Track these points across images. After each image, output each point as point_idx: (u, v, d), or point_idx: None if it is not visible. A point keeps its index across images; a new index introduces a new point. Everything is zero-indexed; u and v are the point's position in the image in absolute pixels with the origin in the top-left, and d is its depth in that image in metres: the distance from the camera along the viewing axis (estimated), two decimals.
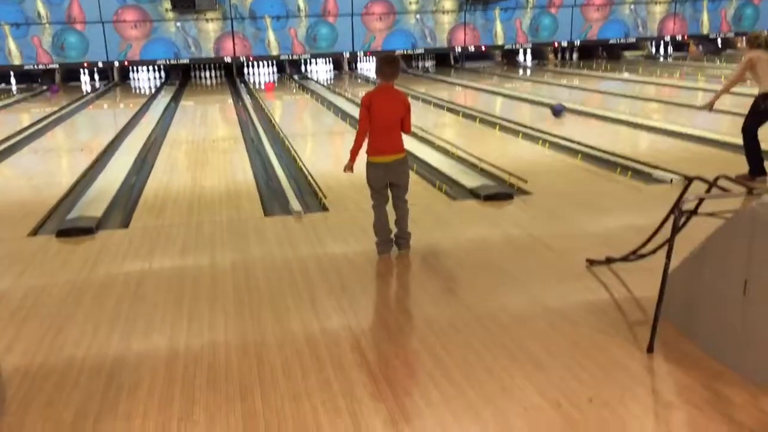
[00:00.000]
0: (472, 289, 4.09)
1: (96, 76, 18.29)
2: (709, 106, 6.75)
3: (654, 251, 3.86)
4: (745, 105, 6.78)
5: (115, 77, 18.07)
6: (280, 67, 18.84)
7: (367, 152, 4.54)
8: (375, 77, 4.41)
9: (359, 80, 17.58)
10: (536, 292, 3.99)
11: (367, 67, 19.38)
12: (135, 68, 18.14)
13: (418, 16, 18.49)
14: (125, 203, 6.37)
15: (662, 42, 20.39)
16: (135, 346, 3.47)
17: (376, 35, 18.41)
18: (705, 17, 19.86)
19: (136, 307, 3.94)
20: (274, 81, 17.70)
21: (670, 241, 3.19)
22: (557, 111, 10.31)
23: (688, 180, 3.73)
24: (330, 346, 3.38)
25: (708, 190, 3.52)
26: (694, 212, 3.46)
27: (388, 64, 4.52)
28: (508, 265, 4.45)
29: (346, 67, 19.10)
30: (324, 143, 9.66)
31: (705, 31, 20.00)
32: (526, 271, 4.33)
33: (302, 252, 4.81)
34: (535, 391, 2.91)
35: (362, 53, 18.61)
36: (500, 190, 6.06)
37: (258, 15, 17.72)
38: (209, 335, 3.57)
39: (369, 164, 4.56)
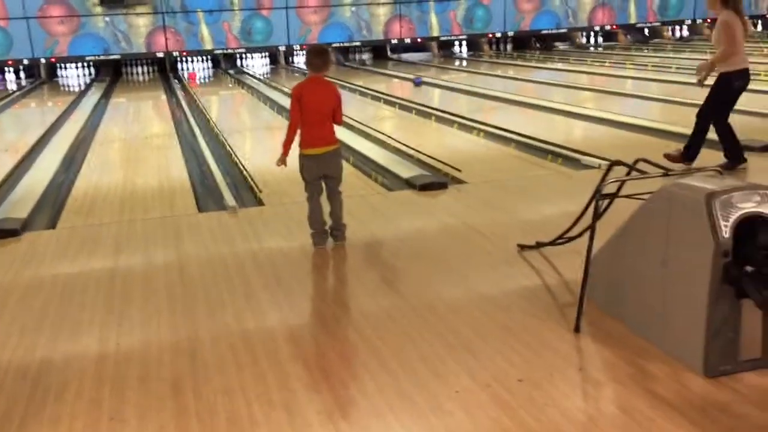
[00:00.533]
0: (408, 279, 4.12)
1: (22, 74, 17.63)
2: (701, 82, 6.01)
3: (581, 234, 3.96)
4: (670, 92, 6.99)
5: (42, 74, 17.47)
6: (215, 61, 18.54)
7: (300, 145, 4.53)
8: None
9: (296, 74, 17.45)
10: (470, 280, 4.05)
11: (304, 61, 19.24)
12: (63, 65, 17.58)
13: (353, 8, 18.45)
14: (52, 203, 6.19)
15: (592, 32, 20.87)
16: (63, 348, 3.39)
17: (312, 28, 18.29)
18: (632, 7, 20.42)
19: (63, 309, 3.83)
20: (194, 70, 17.56)
21: (591, 225, 3.29)
22: (417, 83, 13.21)
23: (609, 165, 3.84)
24: (265, 340, 3.37)
25: (628, 173, 3.63)
26: (615, 195, 3.57)
27: (318, 55, 4.52)
28: (443, 254, 4.50)
29: (282, 61, 18.92)
30: (261, 138, 9.57)
31: (632, 20, 20.56)
32: (460, 259, 4.40)
33: (237, 247, 4.77)
34: (466, 375, 2.96)
35: (298, 47, 18.48)
36: (435, 180, 6.12)
37: (190, 9, 17.39)
38: (141, 334, 3.51)
39: (302, 156, 4.55)
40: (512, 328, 3.38)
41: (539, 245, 4.39)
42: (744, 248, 2.74)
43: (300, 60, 19.15)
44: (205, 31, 17.64)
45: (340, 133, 8.69)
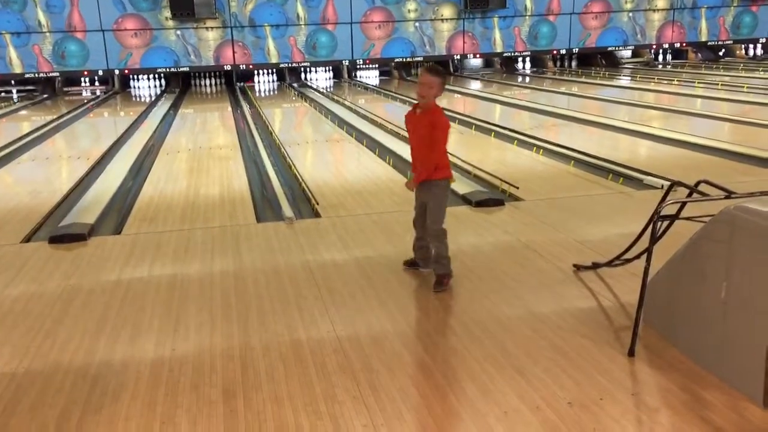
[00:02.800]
0: (461, 296, 4.10)
1: (96, 84, 18.37)
2: None
3: (638, 256, 3.88)
4: (743, 112, 6.78)
5: (115, 85, 18.16)
6: (280, 75, 18.91)
7: (445, 174, 4.15)
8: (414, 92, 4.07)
9: (358, 87, 17.64)
10: (524, 298, 4.00)
11: (366, 75, 19.44)
12: (135, 76, 18.22)
13: (416, 24, 18.56)
14: (119, 210, 6.41)
15: (661, 49, 20.42)
16: (121, 351, 3.50)
17: (375, 43, 18.48)
18: (703, 24, 19.90)
19: (124, 313, 3.96)
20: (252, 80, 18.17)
21: (649, 247, 3.21)
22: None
23: (669, 185, 3.75)
24: (314, 351, 3.40)
25: (689, 195, 3.54)
26: (675, 217, 3.48)
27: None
28: (497, 271, 4.47)
29: (345, 75, 19.16)
30: (320, 151, 9.69)
31: (703, 38, 20.03)
32: (514, 277, 4.35)
33: (292, 258, 4.83)
34: (515, 396, 2.93)
35: (361, 61, 18.69)
36: (491, 196, 6.08)
37: (257, 23, 17.80)
38: (195, 340, 3.59)
39: (446, 186, 4.21)
40: (564, 350, 3.33)
41: (596, 266, 4.31)
42: None
43: (362, 74, 19.35)
44: (271, 44, 18.03)
45: (399, 147, 8.78)
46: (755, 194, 3.18)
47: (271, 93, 17.54)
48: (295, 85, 18.28)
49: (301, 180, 7.12)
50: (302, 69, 18.85)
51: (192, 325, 3.78)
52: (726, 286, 2.88)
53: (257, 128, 11.14)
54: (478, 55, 19.28)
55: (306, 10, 17.95)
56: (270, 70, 18.77)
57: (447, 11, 18.66)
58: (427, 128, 4.03)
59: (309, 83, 18.56)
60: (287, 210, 5.95)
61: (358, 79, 19.17)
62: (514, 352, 3.32)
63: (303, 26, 18.07)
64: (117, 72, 17.68)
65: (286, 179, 7.38)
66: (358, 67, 19.13)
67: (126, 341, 3.60)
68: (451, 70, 19.56)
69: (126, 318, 3.89)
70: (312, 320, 3.78)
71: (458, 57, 19.12)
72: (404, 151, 8.51)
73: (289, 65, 18.44)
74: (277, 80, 18.96)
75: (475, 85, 17.12)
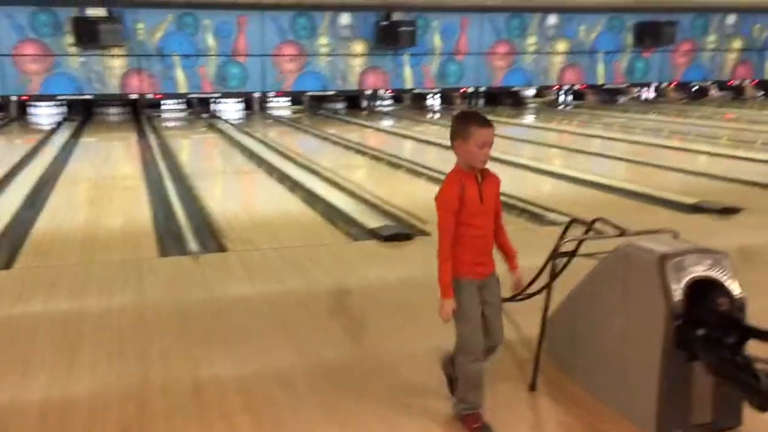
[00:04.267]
0: (370, 330, 4.09)
1: None
2: None
3: (539, 291, 3.98)
4: (638, 152, 7.13)
5: (13, 112, 17.32)
6: (189, 105, 18.59)
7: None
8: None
9: (270, 120, 17.55)
10: (430, 333, 4.01)
11: (277, 107, 19.39)
12: (35, 103, 17.46)
13: (329, 58, 18.72)
14: (12, 243, 6.07)
15: (562, 90, 21.38)
16: (8, 391, 3.28)
17: (287, 76, 18.48)
18: (600, 68, 21.01)
19: (12, 351, 3.73)
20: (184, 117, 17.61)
21: (548, 283, 3.31)
22: None
23: (567, 223, 3.89)
24: (216, 390, 3.30)
25: (586, 232, 3.68)
26: (573, 254, 3.60)
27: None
28: (405, 306, 4.49)
29: (256, 107, 19.04)
30: (230, 183, 9.55)
31: (600, 81, 21.13)
32: (421, 312, 4.37)
33: (196, 293, 4.70)
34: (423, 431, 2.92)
35: (273, 93, 18.65)
36: (400, 231, 6.14)
37: (165, 53, 17.48)
38: (90, 379, 3.42)
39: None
40: None
41: (501, 300, 4.39)
42: (696, 311, 2.78)
43: (273, 106, 19.29)
44: (180, 74, 17.72)
45: (310, 181, 8.76)
46: (647, 232, 3.34)
47: (180, 123, 17.19)
48: (205, 115, 18.00)
49: (208, 213, 6.97)
50: (212, 100, 18.59)
51: (86, 364, 3.59)
52: (621, 321, 3.00)
53: (164, 159, 10.87)
54: (389, 91, 19.60)
55: (217, 41, 17.79)
56: (178, 100, 18.42)
57: (359, 47, 18.92)
58: (498, 195, 3.01)
59: (219, 114, 18.32)
60: (193, 244, 5.80)
61: (270, 111, 19.08)
62: (420, 387, 3.33)
63: (213, 57, 17.88)
64: (14, 98, 16.90)
65: (192, 212, 7.20)
66: (269, 99, 19.06)
67: (14, 381, 3.38)
68: (362, 105, 19.77)
69: (14, 356, 3.65)
70: (216, 358, 3.67)
71: (370, 92, 19.37)
72: (315, 184, 8.51)
73: (199, 95, 18.17)
74: (186, 110, 18.61)
75: (386, 121, 17.37)
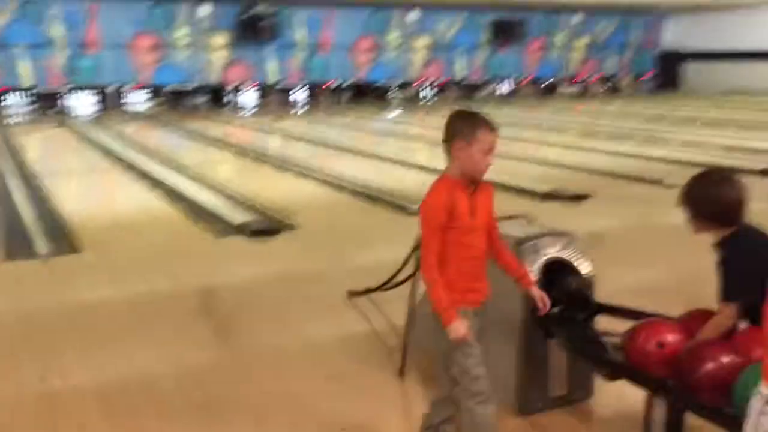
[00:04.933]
0: (238, 330, 4.01)
1: None
2: None
3: (407, 279, 4.06)
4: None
5: None
6: (36, 99, 17.35)
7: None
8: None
9: (127, 116, 16.74)
10: (299, 328, 4.01)
11: (135, 102, 18.54)
12: None
13: (188, 50, 18.11)
14: None
15: (424, 85, 21.90)
16: None
17: (145, 69, 17.71)
18: (460, 64, 21.73)
19: None
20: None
21: (414, 272, 3.38)
22: None
23: None
24: (72, 401, 3.11)
25: None
26: None
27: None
28: (273, 302, 4.43)
29: (111, 102, 18.08)
30: (85, 182, 9.02)
31: (460, 76, 21.86)
32: (290, 307, 4.35)
33: (46, 300, 4.40)
34: (290, 427, 2.90)
35: (129, 88, 17.81)
36: (267, 226, 6.06)
37: (10, 43, 16.22)
38: None
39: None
40: (339, 375, 3.37)
41: (369, 291, 4.44)
42: (550, 291, 2.93)
43: (130, 101, 18.41)
44: (24, 66, 16.51)
45: (172, 177, 8.44)
46: (504, 218, 3.49)
47: (25, 119, 16.03)
48: (52, 111, 16.87)
49: (60, 214, 6.55)
50: (59, 94, 17.45)
51: None
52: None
53: (7, 157, 10.10)
54: (253, 85, 19.26)
55: (65, 30, 16.71)
56: (24, 94, 17.16)
57: (220, 39, 18.45)
58: (491, 209, 2.61)
59: (70, 110, 17.24)
60: (42, 246, 5.43)
61: (126, 106, 18.19)
62: (290, 382, 3.30)
63: (63, 48, 16.80)
64: None
65: (42, 213, 6.74)
66: (125, 93, 18.18)
67: None
68: (225, 99, 19.30)
69: None
70: (69, 367, 3.45)
71: (233, 86, 18.95)
72: (177, 181, 8.22)
73: (47, 89, 17.01)
74: (34, 105, 17.36)
75: (251, 115, 17.08)
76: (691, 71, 23.20)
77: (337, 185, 8.14)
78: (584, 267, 2.98)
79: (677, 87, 23.41)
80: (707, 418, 2.36)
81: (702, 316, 2.44)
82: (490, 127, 2.47)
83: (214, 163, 10.02)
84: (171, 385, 3.30)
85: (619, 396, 2.90)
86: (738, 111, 16.25)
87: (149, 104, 18.54)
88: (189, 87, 18.42)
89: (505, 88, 22.93)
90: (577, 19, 23.01)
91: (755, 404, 1.47)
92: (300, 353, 3.64)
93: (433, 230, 2.38)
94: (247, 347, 3.72)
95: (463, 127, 2.44)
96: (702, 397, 2.37)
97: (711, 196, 2.42)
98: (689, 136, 11.50)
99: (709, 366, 2.30)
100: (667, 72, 23.92)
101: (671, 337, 2.32)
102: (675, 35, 23.85)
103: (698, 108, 17.38)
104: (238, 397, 3.16)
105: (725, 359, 2.13)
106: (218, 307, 4.44)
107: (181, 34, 17.95)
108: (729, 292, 2.30)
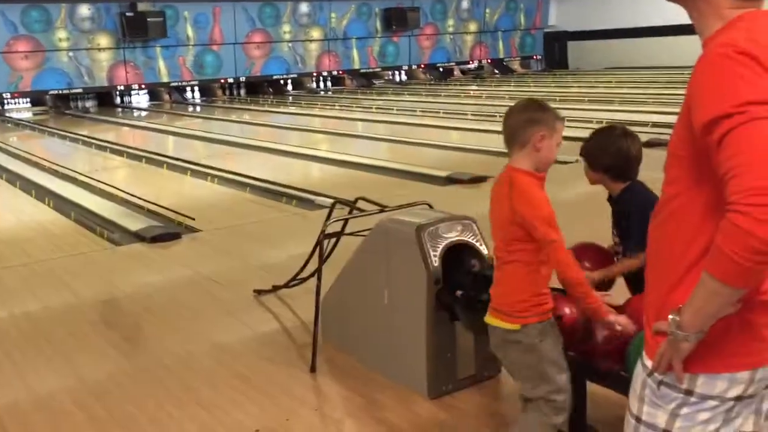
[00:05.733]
0: (143, 338, 3.88)
1: None
2: None
3: (313, 274, 4.04)
4: (395, 132, 7.42)
5: None
6: None
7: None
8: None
9: (8, 124, 15.81)
10: (205, 331, 3.91)
11: (16, 109, 17.54)
12: None
13: (70, 53, 17.26)
14: None
15: (321, 77, 21.81)
16: None
17: (23, 74, 16.75)
18: (355, 54, 21.74)
19: None
20: None
21: (319, 266, 3.36)
22: None
23: (331, 205, 3.99)
24: None
25: (350, 212, 3.80)
26: (340, 234, 3.70)
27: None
28: (177, 307, 4.31)
29: None
30: None
31: (356, 66, 21.88)
32: (194, 311, 4.24)
33: None
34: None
35: (8, 95, 16.82)
36: (166, 231, 5.87)
37: None
38: None
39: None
40: (248, 376, 3.32)
41: (275, 288, 4.39)
42: (453, 275, 2.98)
43: (11, 109, 17.38)
44: None
45: (60, 187, 8.03)
46: (404, 206, 3.52)
47: None
48: None
49: None
50: None
51: None
52: (387, 293, 3.13)
53: None
54: (143, 86, 18.60)
55: None
56: None
57: (104, 40, 17.68)
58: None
59: None
60: None
61: (7, 114, 17.18)
62: (197, 388, 3.22)
63: None
64: None
65: None
66: (5, 101, 17.16)
67: None
68: (115, 101, 18.57)
69: None
70: None
71: (122, 88, 18.25)
72: (66, 190, 7.83)
73: None
74: None
75: (144, 117, 16.50)
76: (577, 50, 24.13)
77: (240, 183, 7.99)
78: (484, 249, 3.05)
79: (566, 66, 24.30)
80: (607, 385, 2.47)
81: (587, 248, 2.69)
82: (562, 118, 2.34)
83: (107, 169, 9.61)
84: (70, 404, 3.15)
85: None
86: (622, 86, 17.05)
87: (32, 111, 17.59)
88: (74, 91, 17.58)
89: (402, 75, 23.15)
90: (465, 4, 23.45)
91: (638, 374, 1.52)
92: (209, 358, 3.56)
93: (554, 226, 2.19)
94: (153, 357, 3.60)
95: (544, 116, 2.27)
96: (600, 364, 2.47)
97: (611, 149, 2.54)
98: (576, 113, 11.96)
99: (604, 333, 2.41)
100: (555, 52, 24.79)
101: (567, 309, 2.40)
102: (561, 16, 24.72)
103: (585, 84, 18.11)
104: (142, 409, 3.05)
105: (618, 326, 2.22)
106: (120, 318, 4.28)
107: (61, 36, 17.08)
108: (642, 239, 2.37)
